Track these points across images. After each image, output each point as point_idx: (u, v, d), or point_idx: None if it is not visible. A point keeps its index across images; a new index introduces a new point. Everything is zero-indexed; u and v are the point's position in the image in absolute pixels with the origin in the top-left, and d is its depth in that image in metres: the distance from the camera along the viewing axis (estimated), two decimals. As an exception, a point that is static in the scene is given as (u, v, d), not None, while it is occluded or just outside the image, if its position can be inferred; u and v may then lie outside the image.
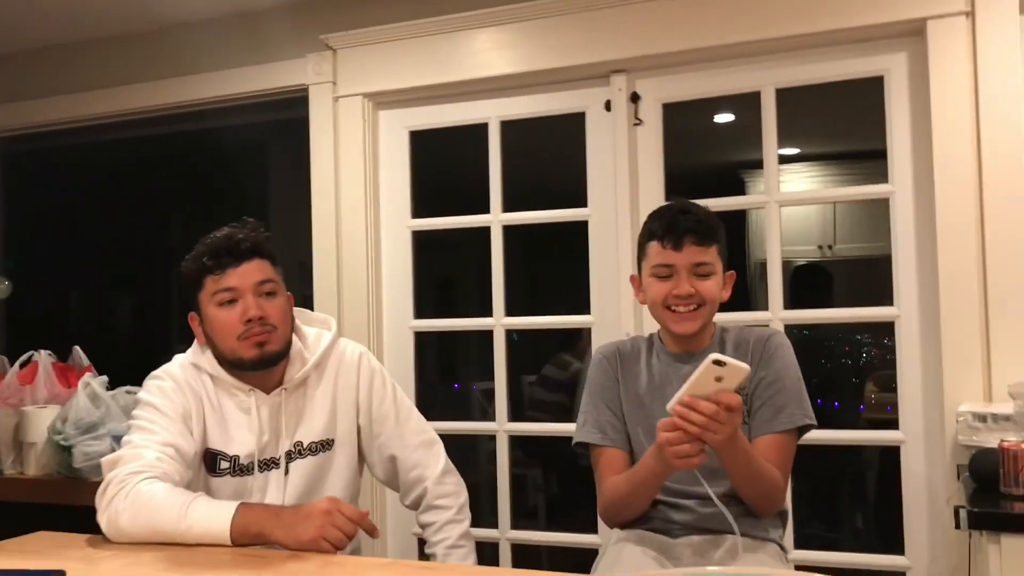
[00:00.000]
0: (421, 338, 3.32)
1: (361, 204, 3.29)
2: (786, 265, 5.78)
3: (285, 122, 3.49)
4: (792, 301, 4.42)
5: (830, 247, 6.23)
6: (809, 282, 4.87)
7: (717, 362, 1.60)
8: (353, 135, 3.30)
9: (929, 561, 2.65)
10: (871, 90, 2.81)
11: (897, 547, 2.73)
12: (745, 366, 1.61)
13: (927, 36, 2.63)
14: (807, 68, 2.85)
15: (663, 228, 1.96)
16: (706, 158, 5.58)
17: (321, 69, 3.32)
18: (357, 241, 3.28)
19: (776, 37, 2.79)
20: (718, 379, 1.60)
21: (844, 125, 4.46)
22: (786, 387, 1.95)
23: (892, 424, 2.78)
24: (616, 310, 2.99)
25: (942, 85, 2.62)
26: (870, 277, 2.89)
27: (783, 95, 2.88)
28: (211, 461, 1.88)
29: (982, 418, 2.38)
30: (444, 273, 4.66)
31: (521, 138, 3.21)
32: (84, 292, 4.64)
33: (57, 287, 4.47)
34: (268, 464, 1.90)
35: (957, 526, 2.15)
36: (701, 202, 2.14)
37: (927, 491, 2.67)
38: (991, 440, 2.27)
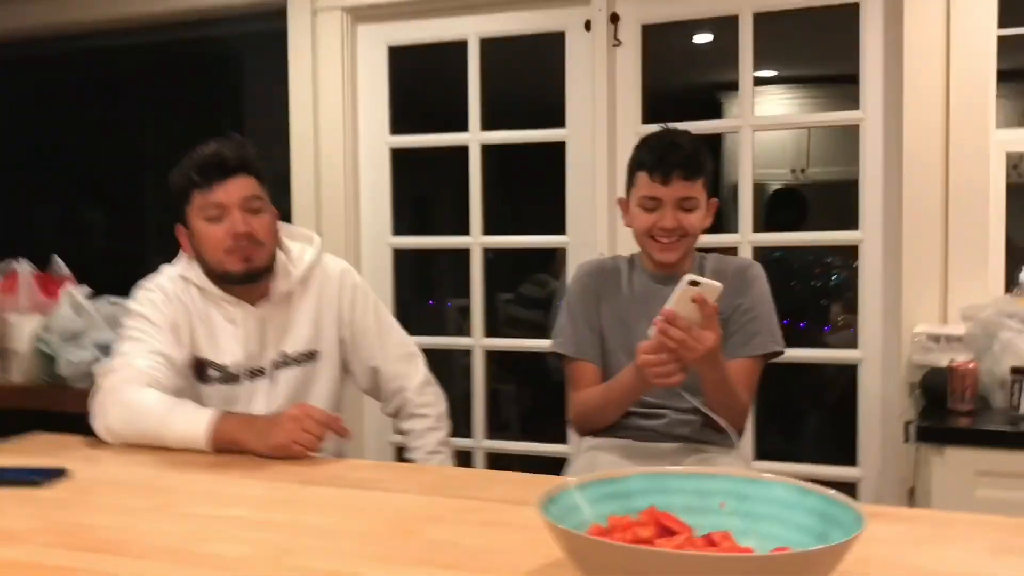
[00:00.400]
0: (399, 255, 3.39)
1: (339, 120, 3.31)
2: (759, 188, 5.87)
3: (263, 33, 3.47)
4: (767, 225, 4.53)
5: (803, 171, 6.30)
6: (784, 206, 4.96)
7: (693, 282, 1.68)
8: (331, 50, 3.30)
9: (879, 471, 2.81)
10: (847, 16, 2.85)
11: (851, 459, 2.88)
12: (718, 284, 1.70)
13: (902, -36, 2.67)
14: (786, -6, 2.88)
15: (653, 160, 2.01)
16: (684, 79, 5.59)
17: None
18: (335, 157, 3.31)
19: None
20: (694, 299, 1.69)
21: (820, 50, 4.48)
22: (760, 315, 2.05)
23: (854, 344, 2.90)
24: (592, 231, 3.06)
25: (915, 15, 2.67)
26: (841, 201, 2.96)
27: (761, 18, 2.91)
28: (200, 370, 1.96)
29: (936, 339, 2.51)
30: (424, 190, 4.69)
31: (501, 56, 3.22)
32: (58, 203, 4.64)
33: (30, 198, 4.47)
34: (255, 373, 1.98)
35: (906, 439, 2.29)
36: (680, 126, 2.20)
37: (881, 407, 2.80)
38: (943, 360, 2.40)
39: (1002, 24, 2.64)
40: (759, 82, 5.69)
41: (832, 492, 0.98)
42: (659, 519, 1.02)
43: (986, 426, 2.19)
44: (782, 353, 2.09)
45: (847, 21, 2.85)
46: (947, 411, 2.28)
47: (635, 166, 2.08)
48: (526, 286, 4.79)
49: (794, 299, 4.74)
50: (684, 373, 1.77)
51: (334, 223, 3.30)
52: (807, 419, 4.50)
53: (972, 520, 1.27)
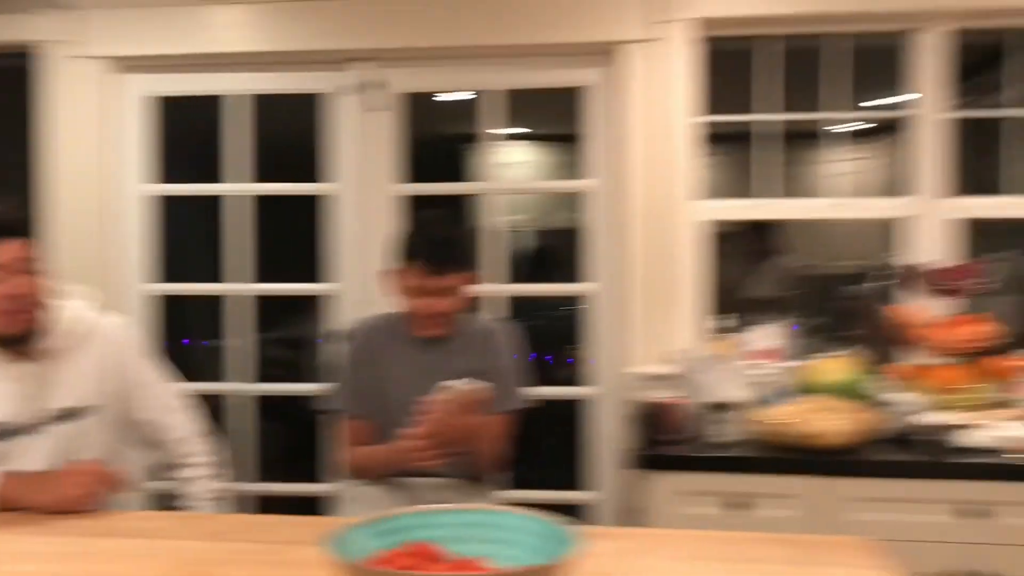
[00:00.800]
0: (163, 300, 3.43)
1: (94, 168, 3.31)
2: (509, 234, 6.24)
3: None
4: (526, 272, 4.99)
5: (545, 218, 6.84)
6: (538, 261, 5.47)
7: (453, 387, 1.95)
8: (85, 97, 3.30)
9: (607, 495, 3.20)
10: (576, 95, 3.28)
11: (584, 485, 3.26)
12: (480, 385, 1.98)
13: (617, 57, 3.11)
14: (523, 74, 3.25)
15: (428, 255, 2.19)
16: (443, 130, 5.91)
17: (53, 27, 3.28)
18: (87, 205, 3.31)
19: (492, 44, 3.17)
20: (456, 398, 1.95)
21: (564, 116, 4.96)
22: (505, 376, 2.32)
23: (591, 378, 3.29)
24: (360, 277, 3.27)
25: (629, 98, 3.11)
26: (574, 249, 3.37)
27: (510, 92, 3.27)
28: None
29: (651, 377, 2.94)
30: (192, 236, 4.70)
31: (268, 112, 3.38)
32: None
33: None
34: (25, 430, 2.02)
35: (625, 467, 2.67)
36: (436, 190, 2.43)
37: (609, 438, 3.21)
38: (655, 396, 2.81)
39: (699, 112, 3.16)
40: (512, 137, 6.15)
41: (556, 519, 1.26)
42: (421, 550, 1.26)
43: (690, 453, 2.62)
44: (525, 409, 2.39)
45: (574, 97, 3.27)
46: (656, 440, 2.69)
47: (410, 253, 2.24)
48: (284, 330, 4.90)
49: (541, 338, 5.19)
50: (443, 457, 2.03)
51: (89, 271, 3.27)
52: (549, 450, 4.93)
53: (675, 534, 1.61)
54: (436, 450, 2.01)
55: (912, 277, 2.85)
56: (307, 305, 4.74)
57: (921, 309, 2.91)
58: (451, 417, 1.99)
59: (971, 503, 2.38)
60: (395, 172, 3.29)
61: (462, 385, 1.98)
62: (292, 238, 3.73)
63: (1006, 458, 2.40)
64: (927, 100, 3.08)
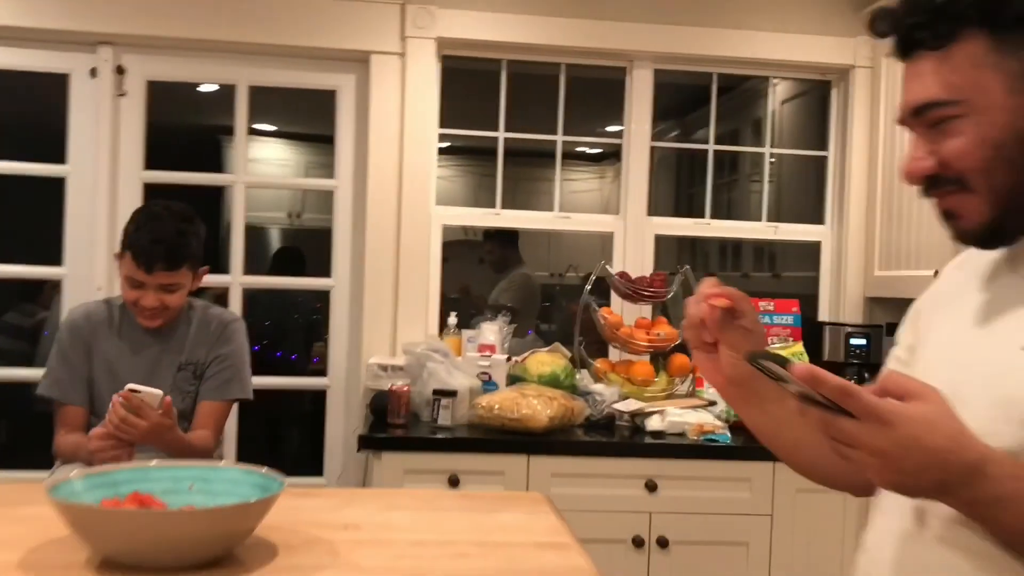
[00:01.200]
0: None
1: None
2: (259, 231, 6.29)
3: None
4: (273, 270, 5.04)
5: (299, 215, 6.91)
6: (287, 260, 5.51)
7: (133, 390, 2.04)
8: None
9: (340, 477, 3.38)
10: (330, 97, 3.44)
11: (319, 469, 3.42)
12: (158, 392, 2.05)
13: (370, 66, 3.31)
14: (279, 72, 3.38)
15: (138, 250, 2.22)
16: (189, 121, 5.84)
17: None
18: None
19: (251, 42, 3.27)
20: (138, 402, 2.04)
21: (311, 114, 5.08)
22: (234, 365, 2.41)
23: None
24: (90, 265, 3.24)
25: (379, 104, 3.32)
26: (326, 247, 3.51)
27: (270, 89, 3.37)
28: None
29: (384, 368, 3.15)
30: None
31: (6, 89, 3.27)
32: None
33: None
34: None
35: (358, 449, 2.86)
36: (179, 179, 2.47)
37: (344, 424, 3.39)
38: (387, 384, 3.02)
39: (442, 125, 3.42)
40: (260, 133, 6.17)
41: (266, 469, 1.43)
42: (141, 499, 1.39)
43: (412, 435, 2.85)
44: (250, 399, 2.50)
45: (332, 100, 3.43)
46: (387, 424, 2.90)
47: (125, 243, 2.28)
48: (11, 315, 4.67)
49: (286, 333, 5.30)
50: (130, 453, 2.09)
51: None
52: (289, 438, 5.03)
53: (378, 491, 1.81)
54: (117, 450, 2.08)
55: (618, 284, 3.24)
56: (40, 289, 4.57)
57: (623, 312, 3.32)
58: (132, 419, 2.05)
59: (648, 476, 2.78)
60: (138, 159, 3.30)
61: (146, 390, 2.06)
62: (26, 220, 3.62)
63: (671, 439, 2.83)
64: (634, 131, 3.51)
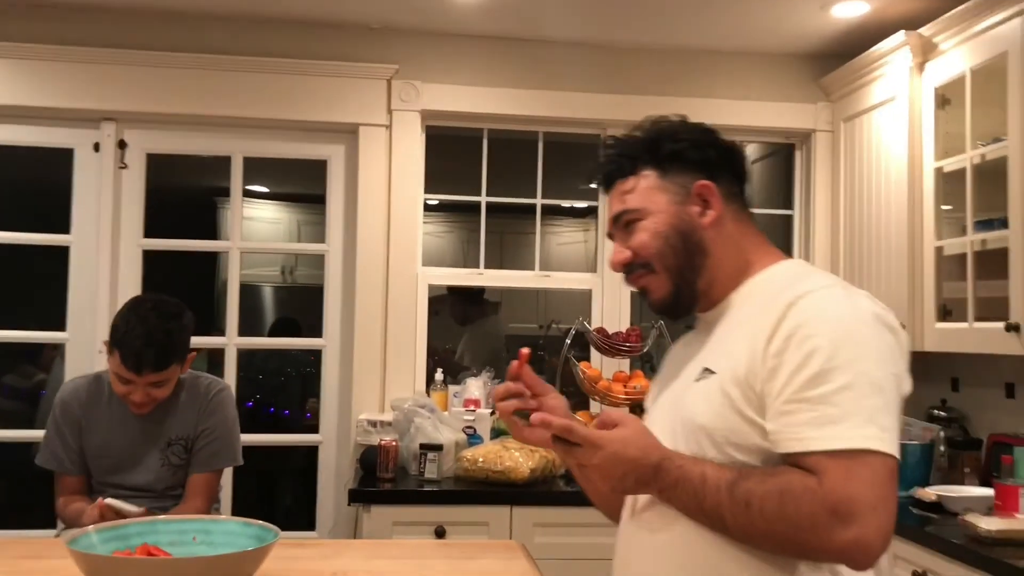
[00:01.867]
0: None
1: None
2: (252, 288, 6.44)
3: None
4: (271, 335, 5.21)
5: (292, 272, 7.07)
6: (283, 327, 5.66)
7: (111, 506, 2.14)
8: None
9: (331, 531, 3.50)
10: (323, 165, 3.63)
11: (312, 523, 3.55)
12: (137, 509, 2.15)
13: (359, 137, 3.51)
14: (272, 144, 3.58)
15: (125, 352, 2.26)
16: (187, 183, 6.03)
17: None
18: None
19: (245, 116, 3.47)
20: (114, 513, 2.14)
21: (304, 178, 5.28)
22: (220, 436, 2.47)
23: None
24: (91, 329, 3.39)
25: (367, 173, 3.52)
26: (318, 303, 3.66)
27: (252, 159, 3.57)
28: None
29: (373, 424, 3.29)
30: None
31: (14, 164, 3.45)
32: None
33: None
34: None
35: (349, 503, 3.00)
36: (177, 246, 2.58)
37: (336, 478, 3.52)
38: (376, 440, 3.17)
39: (428, 186, 3.61)
40: (255, 195, 6.36)
41: (262, 522, 1.58)
42: (149, 551, 1.54)
43: (400, 488, 2.99)
44: (240, 465, 2.62)
45: (322, 166, 3.63)
46: (376, 479, 3.04)
47: (113, 340, 2.31)
48: (10, 376, 4.82)
49: (280, 389, 5.46)
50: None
51: None
52: (283, 493, 5.15)
53: (366, 542, 1.95)
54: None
55: (596, 340, 3.41)
56: (39, 352, 4.71)
57: (601, 366, 3.48)
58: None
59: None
60: (138, 227, 3.47)
61: (122, 505, 2.16)
62: (31, 286, 3.79)
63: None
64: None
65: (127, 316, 2.32)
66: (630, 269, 1.41)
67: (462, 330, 4.82)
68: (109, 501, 2.15)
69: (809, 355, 1.20)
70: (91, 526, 1.53)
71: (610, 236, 1.46)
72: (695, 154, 1.40)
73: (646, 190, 1.39)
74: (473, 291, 4.69)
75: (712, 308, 1.42)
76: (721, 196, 1.39)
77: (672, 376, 1.46)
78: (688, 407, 1.33)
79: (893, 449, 1.19)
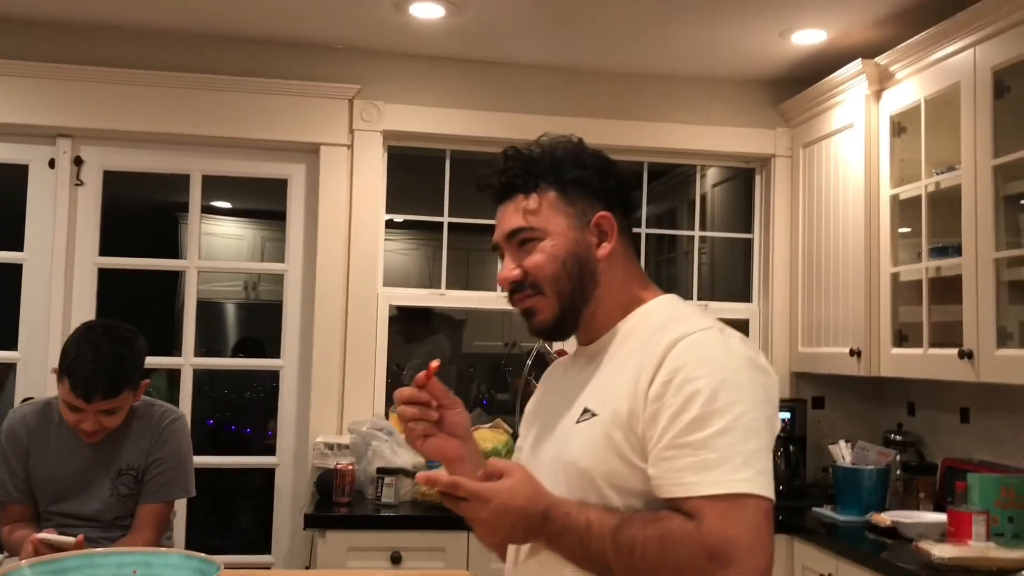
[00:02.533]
0: None
1: None
2: (213, 306, 6.37)
3: None
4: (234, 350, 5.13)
5: (255, 287, 7.00)
6: (247, 347, 5.60)
7: (45, 540, 2.04)
8: None
9: (286, 555, 3.46)
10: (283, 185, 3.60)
11: (267, 547, 3.49)
12: (69, 540, 2.04)
13: (320, 156, 3.49)
14: (232, 163, 3.54)
15: (74, 380, 2.20)
16: (146, 198, 5.96)
17: None
18: None
19: (205, 135, 3.43)
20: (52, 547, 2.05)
21: (266, 194, 5.24)
22: (172, 466, 2.41)
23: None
24: (43, 348, 3.33)
25: (328, 192, 3.49)
26: (276, 322, 3.62)
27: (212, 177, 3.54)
28: None
29: (330, 446, 3.26)
30: None
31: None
32: None
33: None
34: None
35: (304, 527, 2.96)
36: (133, 264, 2.52)
37: (292, 502, 3.48)
38: (333, 463, 3.13)
39: (391, 204, 3.59)
40: (216, 211, 6.30)
41: (203, 555, 1.55)
42: (88, 586, 1.50)
43: (356, 513, 2.95)
44: (193, 496, 2.54)
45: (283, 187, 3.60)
46: (332, 503, 3.00)
47: (62, 367, 2.24)
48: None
49: (240, 409, 5.40)
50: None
51: None
52: (238, 515, 5.08)
53: (320, 572, 1.91)
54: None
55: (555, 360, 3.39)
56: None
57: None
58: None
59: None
60: (94, 245, 3.42)
61: (57, 538, 2.07)
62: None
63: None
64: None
65: (78, 341, 2.26)
66: (518, 288, 1.39)
67: (410, 348, 4.75)
68: (43, 536, 2.06)
69: (688, 400, 1.22)
70: (24, 561, 1.49)
71: (495, 249, 1.44)
72: (598, 182, 1.40)
73: (548, 211, 1.38)
74: (419, 309, 4.54)
75: (593, 342, 1.42)
76: (617, 229, 1.40)
77: (550, 411, 1.45)
78: (570, 450, 1.33)
79: (768, 492, 1.22)
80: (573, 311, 1.38)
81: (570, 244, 1.37)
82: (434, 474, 1.22)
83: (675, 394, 1.23)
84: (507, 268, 1.40)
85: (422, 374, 1.41)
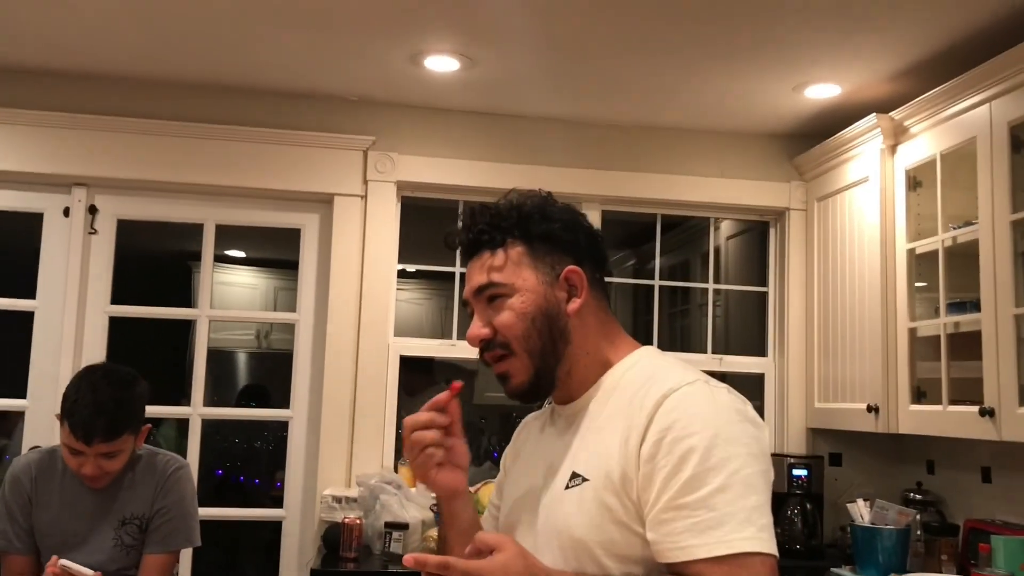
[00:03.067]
0: None
1: None
2: (224, 354, 6.36)
3: None
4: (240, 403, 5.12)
5: (267, 336, 6.99)
6: (253, 395, 5.58)
7: (65, 567, 2.07)
8: None
9: (293, 611, 3.39)
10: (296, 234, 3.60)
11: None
12: (90, 572, 2.07)
13: (334, 206, 3.49)
14: (245, 212, 3.55)
15: (73, 422, 2.19)
16: (160, 247, 5.99)
17: None
18: None
19: (219, 184, 3.44)
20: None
21: (279, 243, 5.25)
22: (177, 515, 2.37)
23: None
24: (53, 396, 3.29)
25: (341, 242, 3.49)
26: (285, 373, 3.60)
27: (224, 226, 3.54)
28: None
29: (338, 500, 3.21)
30: None
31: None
32: None
33: None
34: None
35: (311, 582, 2.90)
36: (145, 312, 2.51)
37: (299, 555, 3.42)
38: (341, 516, 3.08)
39: (403, 254, 3.58)
40: (229, 260, 6.32)
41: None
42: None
43: (362, 568, 2.89)
44: (198, 546, 2.48)
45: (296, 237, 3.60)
46: (339, 557, 2.94)
47: (63, 411, 2.23)
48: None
49: (248, 460, 5.35)
50: None
51: None
52: (248, 570, 5.00)
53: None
54: None
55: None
56: (4, 418, 4.61)
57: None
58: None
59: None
60: (106, 294, 3.42)
61: (77, 567, 2.08)
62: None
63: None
64: (587, 267, 3.68)
65: (77, 385, 2.24)
66: (487, 347, 1.34)
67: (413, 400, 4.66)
68: (64, 563, 2.05)
69: (683, 458, 1.18)
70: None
71: (464, 305, 1.40)
72: (566, 236, 1.37)
73: (515, 267, 1.34)
74: (420, 360, 4.40)
75: (571, 401, 1.38)
76: (587, 283, 1.36)
77: (530, 475, 1.40)
78: (562, 518, 1.28)
79: (771, 548, 1.17)
80: (547, 370, 1.34)
81: (539, 300, 1.33)
82: (422, 556, 1.15)
83: (668, 453, 1.19)
84: (475, 326, 1.35)
85: (443, 395, 1.34)
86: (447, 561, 1.14)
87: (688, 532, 1.16)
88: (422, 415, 1.35)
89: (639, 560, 1.21)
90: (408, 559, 1.16)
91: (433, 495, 3.08)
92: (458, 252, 1.43)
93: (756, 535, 1.16)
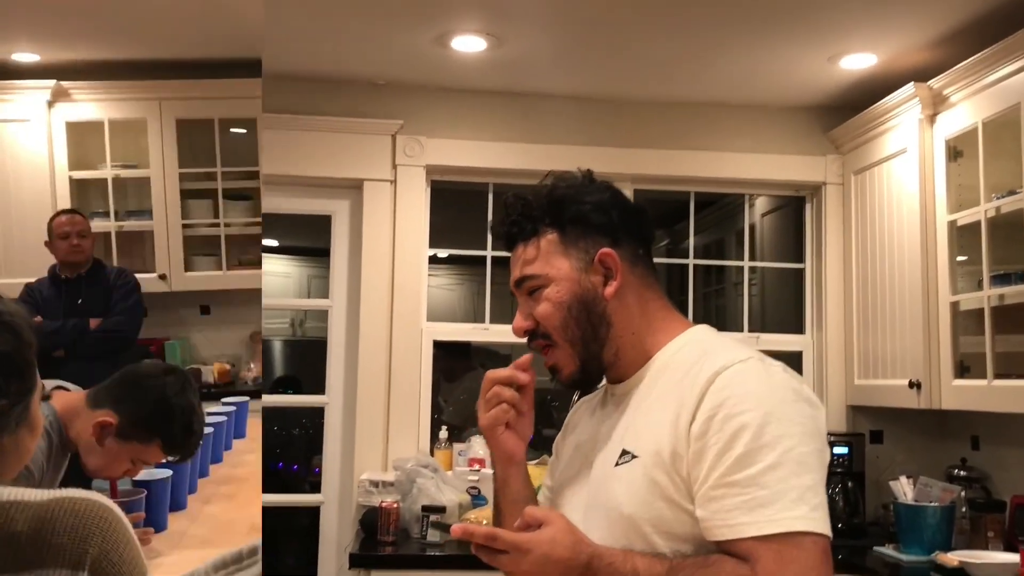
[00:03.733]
0: None
1: None
2: (264, 344, 6.37)
3: None
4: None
5: (301, 324, 7.04)
6: (286, 385, 5.62)
7: None
8: None
9: (334, 595, 3.41)
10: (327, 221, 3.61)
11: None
12: None
13: (364, 192, 3.48)
14: (276, 200, 3.55)
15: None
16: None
17: None
18: None
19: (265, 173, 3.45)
20: None
21: (313, 231, 5.27)
22: None
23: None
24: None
25: (372, 227, 3.48)
26: (322, 359, 3.61)
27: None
28: None
29: (375, 484, 3.21)
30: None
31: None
32: None
33: None
34: None
35: (350, 567, 2.91)
36: None
37: (337, 540, 3.43)
38: (378, 500, 3.08)
39: (434, 239, 3.57)
40: (264, 249, 6.34)
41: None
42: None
43: (401, 552, 2.90)
44: None
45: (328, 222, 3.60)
46: (377, 542, 2.95)
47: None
48: None
49: (287, 445, 5.39)
50: None
51: None
52: (287, 552, 5.03)
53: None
54: None
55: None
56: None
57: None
58: None
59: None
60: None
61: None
62: None
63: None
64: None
65: None
66: (532, 337, 1.35)
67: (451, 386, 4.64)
68: None
69: (734, 436, 1.16)
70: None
71: (512, 295, 1.40)
72: (598, 218, 1.34)
73: (548, 255, 1.33)
74: (458, 344, 4.35)
75: (622, 380, 1.36)
76: (624, 263, 1.33)
77: (581, 453, 1.40)
78: (611, 495, 1.27)
79: (824, 528, 1.15)
80: (591, 357, 1.33)
81: (574, 287, 1.31)
82: (470, 527, 1.16)
83: (719, 430, 1.17)
84: (518, 318, 1.36)
85: (525, 357, 1.36)
86: (494, 532, 1.16)
87: (738, 509, 1.14)
88: (504, 370, 1.36)
89: (688, 538, 1.20)
90: (456, 529, 1.17)
91: (473, 471, 3.11)
92: (500, 242, 1.43)
93: (808, 514, 1.13)
